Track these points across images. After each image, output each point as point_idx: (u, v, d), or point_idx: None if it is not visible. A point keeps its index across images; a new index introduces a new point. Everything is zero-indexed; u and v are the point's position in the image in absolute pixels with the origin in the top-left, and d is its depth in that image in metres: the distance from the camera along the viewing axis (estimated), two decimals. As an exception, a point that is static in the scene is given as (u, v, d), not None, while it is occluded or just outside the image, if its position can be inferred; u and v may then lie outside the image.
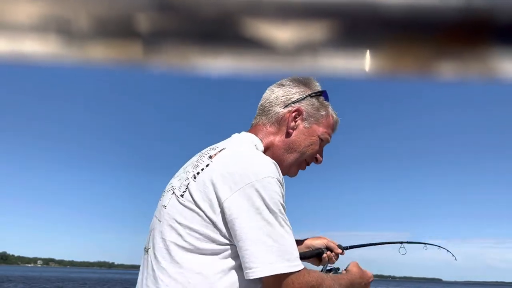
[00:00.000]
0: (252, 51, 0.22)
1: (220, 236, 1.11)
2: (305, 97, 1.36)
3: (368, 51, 0.21)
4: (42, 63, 0.22)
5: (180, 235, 1.13)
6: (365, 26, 0.20)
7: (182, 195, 1.16)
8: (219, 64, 0.22)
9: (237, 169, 1.12)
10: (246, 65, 0.22)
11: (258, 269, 1.08)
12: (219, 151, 1.21)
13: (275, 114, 1.35)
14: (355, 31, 0.20)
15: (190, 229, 1.12)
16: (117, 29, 0.21)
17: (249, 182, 1.10)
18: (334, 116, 1.41)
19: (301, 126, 1.35)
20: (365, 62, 0.21)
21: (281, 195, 1.14)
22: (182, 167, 1.32)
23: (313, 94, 1.37)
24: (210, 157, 1.20)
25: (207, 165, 1.17)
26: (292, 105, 1.35)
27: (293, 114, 1.34)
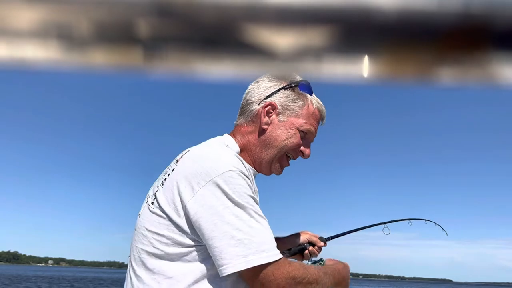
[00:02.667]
0: (252, 57, 0.22)
1: (187, 239, 1.10)
2: (278, 90, 1.29)
3: (366, 56, 0.21)
4: (44, 69, 0.22)
5: (150, 242, 1.14)
6: (363, 32, 0.20)
7: (152, 203, 1.17)
8: (220, 69, 0.22)
9: (197, 168, 1.11)
10: (246, 70, 0.22)
11: (230, 265, 1.04)
12: (184, 154, 1.20)
13: (250, 112, 1.31)
14: (353, 36, 0.20)
15: (158, 234, 1.12)
16: (118, 35, 0.21)
17: (209, 179, 1.08)
18: (315, 104, 1.31)
19: (275, 120, 1.28)
20: (364, 67, 0.21)
21: (247, 186, 1.10)
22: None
23: (287, 86, 1.30)
24: (177, 161, 1.20)
25: (173, 170, 1.17)
26: (266, 100, 1.29)
27: (266, 109, 1.28)
